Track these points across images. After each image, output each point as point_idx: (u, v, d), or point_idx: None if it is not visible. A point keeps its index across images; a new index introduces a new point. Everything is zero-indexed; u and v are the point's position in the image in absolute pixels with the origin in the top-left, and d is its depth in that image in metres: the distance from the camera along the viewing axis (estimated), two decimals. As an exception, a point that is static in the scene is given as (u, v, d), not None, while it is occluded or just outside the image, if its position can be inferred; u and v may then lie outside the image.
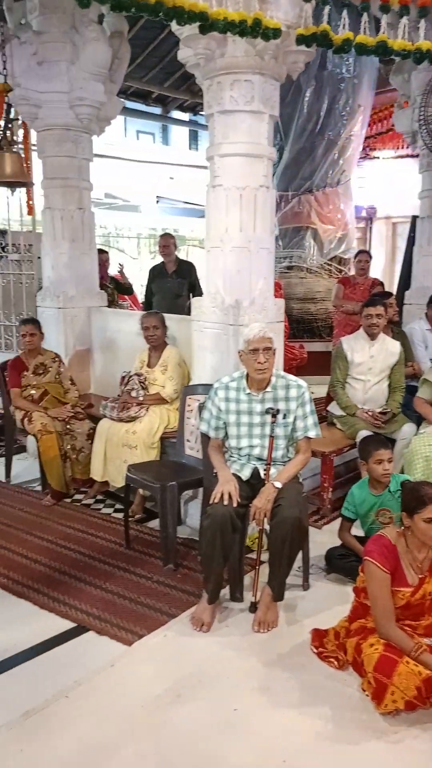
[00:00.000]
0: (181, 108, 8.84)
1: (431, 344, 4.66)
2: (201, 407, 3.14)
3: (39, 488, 4.27)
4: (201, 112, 8.80)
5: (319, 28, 3.06)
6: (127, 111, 8.02)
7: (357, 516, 3.05)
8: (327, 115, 7.12)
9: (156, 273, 5.82)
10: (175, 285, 5.66)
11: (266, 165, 3.37)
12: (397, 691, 2.07)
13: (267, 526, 2.73)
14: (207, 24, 2.80)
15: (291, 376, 2.89)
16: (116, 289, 6.16)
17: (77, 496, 4.15)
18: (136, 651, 2.53)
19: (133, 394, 3.95)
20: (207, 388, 3.46)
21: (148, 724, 2.14)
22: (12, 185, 4.11)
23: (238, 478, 2.79)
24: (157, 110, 8.69)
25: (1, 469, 4.53)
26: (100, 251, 6.09)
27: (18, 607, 2.87)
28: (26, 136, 5.07)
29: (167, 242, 5.79)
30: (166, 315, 4.09)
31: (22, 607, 2.87)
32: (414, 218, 6.25)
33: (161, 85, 7.88)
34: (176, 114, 9.56)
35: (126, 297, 6.79)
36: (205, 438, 3.06)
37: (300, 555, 2.82)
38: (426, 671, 2.08)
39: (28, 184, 4.18)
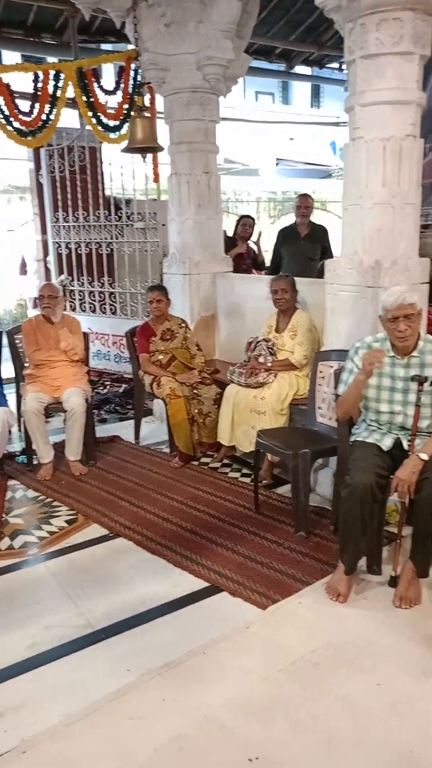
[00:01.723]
0: (307, 62, 8.46)
1: None
2: (338, 373, 3.02)
3: (167, 450, 4.38)
4: (328, 65, 8.37)
5: None
6: (248, 70, 7.82)
7: None
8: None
9: (286, 235, 5.60)
10: (307, 248, 5.44)
11: (414, 112, 3.08)
12: None
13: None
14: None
15: None
16: (252, 263, 6.03)
17: (204, 460, 4.22)
18: (270, 615, 2.52)
19: (261, 359, 3.89)
20: (341, 354, 3.33)
21: (293, 690, 2.12)
22: (143, 151, 4.14)
23: (379, 447, 2.66)
24: (281, 66, 8.39)
25: (131, 431, 4.70)
26: (247, 217, 5.94)
27: (153, 563, 2.97)
28: (152, 102, 5.08)
29: (308, 203, 5.52)
30: (296, 279, 3.97)
31: (157, 564, 2.96)
32: None
33: (286, 39, 7.57)
34: (299, 69, 9.17)
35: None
36: (341, 402, 2.94)
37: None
38: None
39: (158, 149, 4.18)
